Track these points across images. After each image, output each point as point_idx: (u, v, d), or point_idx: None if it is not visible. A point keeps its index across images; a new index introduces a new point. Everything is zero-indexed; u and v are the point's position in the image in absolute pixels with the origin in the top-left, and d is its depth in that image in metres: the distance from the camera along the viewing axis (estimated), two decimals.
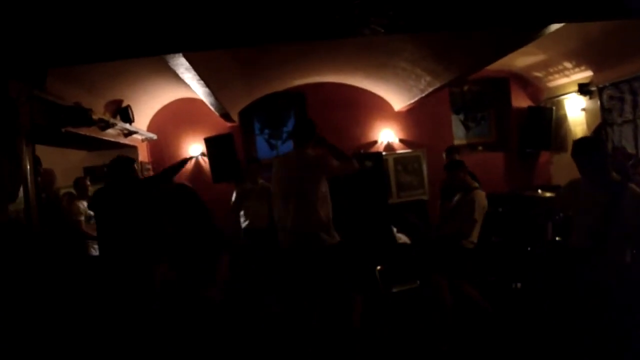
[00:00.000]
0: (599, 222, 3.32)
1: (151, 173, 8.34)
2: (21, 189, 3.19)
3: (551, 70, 8.02)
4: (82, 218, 6.13)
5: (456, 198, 5.17)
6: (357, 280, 5.13)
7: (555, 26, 4.31)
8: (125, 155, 5.17)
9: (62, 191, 6.47)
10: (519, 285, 6.00)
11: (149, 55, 3.64)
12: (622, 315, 3.25)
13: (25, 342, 1.93)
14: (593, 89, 7.34)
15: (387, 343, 5.03)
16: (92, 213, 5.94)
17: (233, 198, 7.36)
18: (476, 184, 5.17)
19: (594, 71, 7.30)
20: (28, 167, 3.20)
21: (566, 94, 8.07)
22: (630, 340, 3.22)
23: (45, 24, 2.91)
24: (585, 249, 3.43)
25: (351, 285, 4.62)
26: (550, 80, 8.40)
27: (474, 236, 4.92)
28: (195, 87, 5.64)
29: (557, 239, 4.70)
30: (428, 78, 6.90)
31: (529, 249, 6.18)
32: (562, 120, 8.36)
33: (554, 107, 8.49)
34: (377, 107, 9.12)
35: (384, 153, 8.77)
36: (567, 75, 7.88)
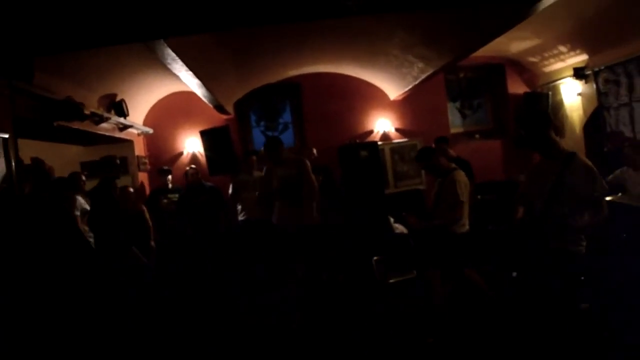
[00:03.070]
0: (549, 190, 3.53)
1: (148, 167, 8.38)
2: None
3: (546, 54, 7.97)
4: (78, 213, 6.14)
5: (437, 184, 5.05)
6: None
7: (546, 2, 4.27)
8: None
9: None
10: (514, 274, 5.86)
11: (132, 42, 3.65)
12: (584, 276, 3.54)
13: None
14: (588, 72, 7.29)
15: (377, 332, 5.01)
16: (87, 208, 5.98)
17: (230, 190, 7.39)
18: (453, 165, 5.01)
19: (589, 54, 7.24)
20: (12, 159, 3.21)
21: (562, 78, 8.02)
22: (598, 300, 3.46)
23: (25, 14, 2.91)
24: (537, 217, 3.61)
25: None
26: (545, 65, 8.35)
27: (465, 217, 4.79)
28: (185, 79, 5.65)
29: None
30: (420, 64, 6.88)
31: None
32: (558, 105, 8.30)
33: (550, 93, 8.42)
34: (372, 96, 9.11)
35: (380, 142, 8.75)
36: (562, 60, 7.83)
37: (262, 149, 6.45)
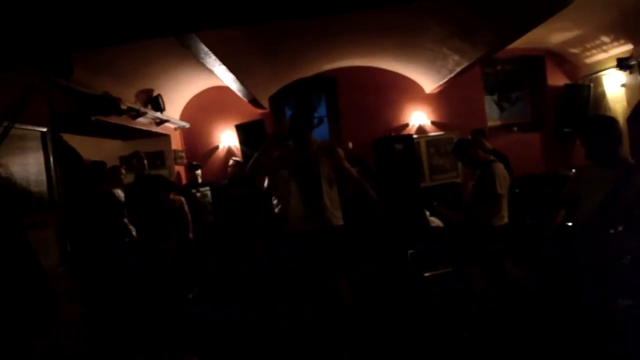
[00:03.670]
0: (600, 201, 3.19)
1: (185, 160, 8.52)
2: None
3: (588, 45, 7.73)
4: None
5: (475, 176, 4.98)
6: None
7: None
8: None
9: None
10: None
11: (165, 36, 3.70)
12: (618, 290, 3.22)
13: None
14: (633, 63, 7.01)
15: (413, 326, 4.98)
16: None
17: (265, 184, 7.42)
18: (491, 157, 4.92)
19: (633, 44, 6.97)
20: (50, 151, 3.31)
21: (605, 69, 7.76)
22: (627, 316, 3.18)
23: (61, 10, 2.99)
24: (588, 225, 3.27)
25: None
26: (587, 57, 8.09)
27: (504, 210, 4.72)
28: (219, 73, 5.71)
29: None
30: (456, 57, 6.78)
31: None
32: (600, 97, 8.04)
33: (591, 85, 8.17)
34: (408, 89, 9.03)
35: (415, 136, 8.67)
36: (605, 50, 7.57)
37: (288, 121, 4.96)
